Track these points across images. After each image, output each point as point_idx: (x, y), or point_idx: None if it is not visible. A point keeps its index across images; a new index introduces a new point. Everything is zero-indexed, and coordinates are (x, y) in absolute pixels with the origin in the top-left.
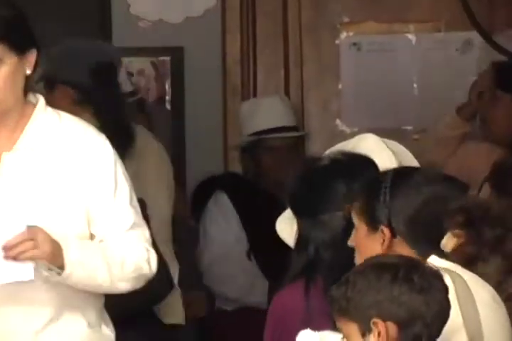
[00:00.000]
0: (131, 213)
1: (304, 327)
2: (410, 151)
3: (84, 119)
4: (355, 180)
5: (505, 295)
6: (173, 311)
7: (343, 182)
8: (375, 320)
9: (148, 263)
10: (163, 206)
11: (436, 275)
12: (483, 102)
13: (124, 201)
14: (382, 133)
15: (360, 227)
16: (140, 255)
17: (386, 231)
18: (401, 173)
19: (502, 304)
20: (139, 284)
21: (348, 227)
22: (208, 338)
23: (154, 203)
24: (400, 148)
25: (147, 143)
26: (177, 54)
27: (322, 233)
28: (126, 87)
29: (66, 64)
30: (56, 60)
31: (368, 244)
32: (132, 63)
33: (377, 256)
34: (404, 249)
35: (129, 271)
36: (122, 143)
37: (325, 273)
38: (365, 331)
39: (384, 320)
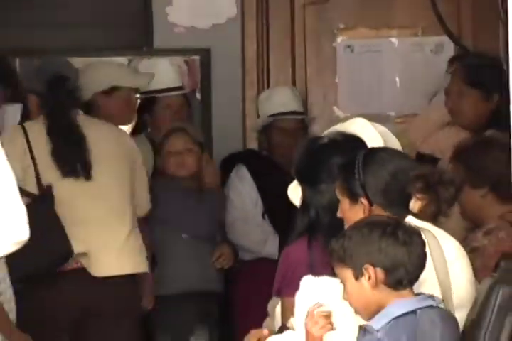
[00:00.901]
0: (13, 181)
1: (308, 274)
2: (392, 132)
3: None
4: (348, 156)
5: (469, 248)
6: (102, 265)
7: (339, 157)
8: (366, 266)
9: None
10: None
11: (415, 232)
12: (452, 97)
13: (2, 171)
14: (370, 117)
15: (343, 201)
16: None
17: (364, 201)
18: (369, 154)
19: (466, 255)
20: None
21: None
22: (233, 284)
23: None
24: (384, 130)
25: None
26: (205, 54)
27: (321, 199)
28: (175, 82)
29: (32, 78)
30: (27, 75)
31: (352, 213)
32: (170, 61)
33: (369, 217)
34: (382, 214)
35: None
36: (71, 141)
37: (324, 232)
38: (358, 275)
39: (374, 266)
